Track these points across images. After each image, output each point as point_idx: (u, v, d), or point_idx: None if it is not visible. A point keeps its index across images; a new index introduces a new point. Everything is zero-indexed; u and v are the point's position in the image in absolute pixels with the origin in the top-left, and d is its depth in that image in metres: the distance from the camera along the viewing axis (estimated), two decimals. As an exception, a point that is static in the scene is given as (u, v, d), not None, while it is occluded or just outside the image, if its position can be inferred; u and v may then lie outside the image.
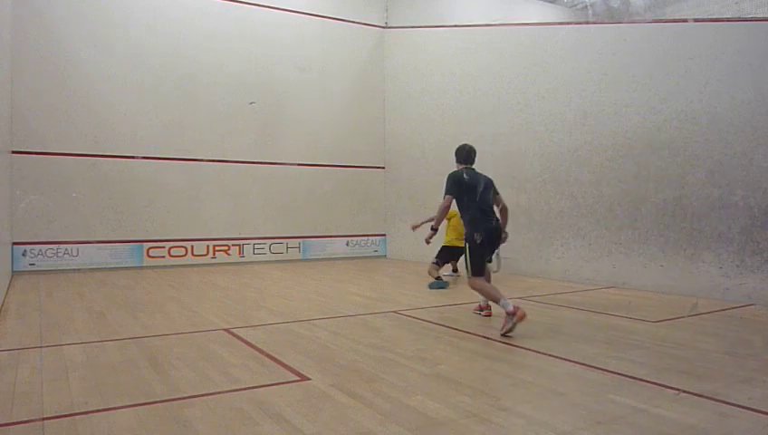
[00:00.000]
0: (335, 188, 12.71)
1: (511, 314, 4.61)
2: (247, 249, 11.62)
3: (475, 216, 5.03)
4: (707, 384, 3.37)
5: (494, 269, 5.65)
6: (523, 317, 4.61)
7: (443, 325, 5.23)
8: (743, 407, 2.98)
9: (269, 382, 3.45)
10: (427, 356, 4.10)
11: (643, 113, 7.61)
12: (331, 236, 12.60)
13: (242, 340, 4.63)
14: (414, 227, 7.94)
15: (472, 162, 5.34)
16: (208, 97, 11.32)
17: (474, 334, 4.81)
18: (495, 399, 3.14)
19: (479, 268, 5.01)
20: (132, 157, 10.58)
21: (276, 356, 4.07)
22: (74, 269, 9.94)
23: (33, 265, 9.68)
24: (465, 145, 5.41)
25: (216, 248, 11.29)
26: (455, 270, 8.96)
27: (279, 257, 11.91)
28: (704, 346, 4.42)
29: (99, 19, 10.37)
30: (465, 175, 5.15)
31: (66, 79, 10.08)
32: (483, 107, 10.36)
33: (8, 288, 7.75)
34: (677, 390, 3.25)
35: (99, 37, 10.35)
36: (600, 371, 3.67)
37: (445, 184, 5.16)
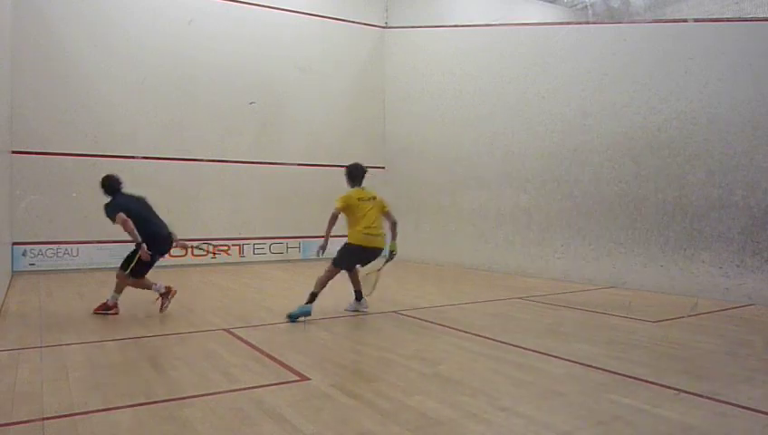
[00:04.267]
0: (335, 188, 12.61)
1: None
2: (247, 249, 11.62)
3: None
4: (707, 384, 3.37)
5: None
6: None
7: (443, 325, 5.23)
8: (743, 407, 2.98)
9: (269, 382, 3.45)
10: (427, 356, 4.10)
11: (643, 113, 7.61)
12: (330, 236, 12.56)
13: (242, 340, 4.63)
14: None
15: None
16: (208, 97, 11.31)
17: (474, 334, 4.81)
18: (495, 399, 3.14)
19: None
20: (132, 157, 10.56)
21: (276, 356, 4.07)
22: (74, 269, 9.93)
23: (33, 265, 9.67)
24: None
25: (216, 248, 11.29)
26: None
27: (279, 257, 11.90)
28: (704, 346, 4.42)
29: (99, 19, 10.36)
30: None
31: (66, 79, 10.06)
32: (483, 107, 10.35)
33: (8, 288, 7.74)
34: (677, 390, 3.25)
35: (99, 37, 10.34)
36: (600, 371, 3.67)
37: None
